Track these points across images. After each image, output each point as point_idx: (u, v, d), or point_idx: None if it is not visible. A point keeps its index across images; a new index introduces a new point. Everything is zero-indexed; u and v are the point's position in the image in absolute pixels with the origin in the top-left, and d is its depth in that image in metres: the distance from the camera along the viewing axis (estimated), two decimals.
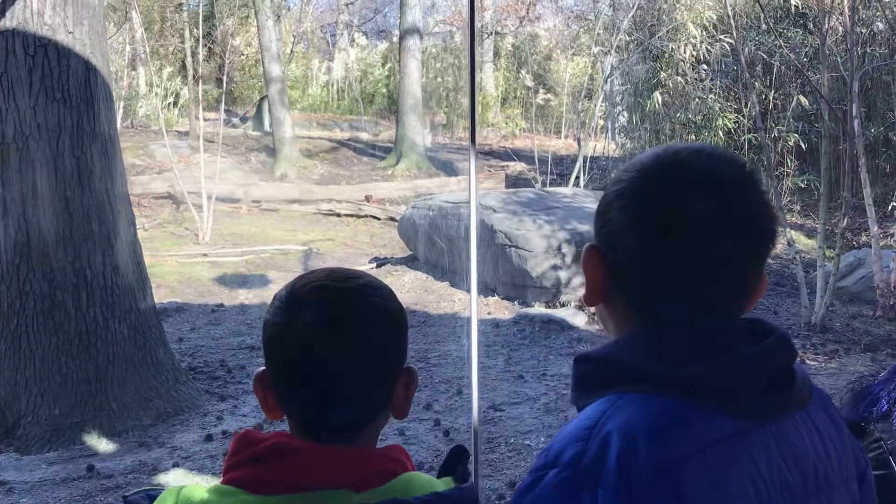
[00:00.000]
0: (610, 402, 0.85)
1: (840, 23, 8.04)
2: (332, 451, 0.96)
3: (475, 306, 2.25)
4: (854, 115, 6.70)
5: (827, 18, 7.41)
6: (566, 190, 10.01)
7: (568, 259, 7.45)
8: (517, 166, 14.69)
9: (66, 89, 4.72)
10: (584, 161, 11.90)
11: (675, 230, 0.87)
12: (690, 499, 0.78)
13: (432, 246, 8.62)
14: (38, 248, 4.70)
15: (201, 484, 1.00)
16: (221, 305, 7.65)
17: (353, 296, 1.00)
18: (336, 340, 0.96)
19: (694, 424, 0.82)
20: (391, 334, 1.01)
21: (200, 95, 12.25)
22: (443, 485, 1.01)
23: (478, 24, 20.34)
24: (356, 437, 1.00)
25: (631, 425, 0.81)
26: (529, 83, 16.46)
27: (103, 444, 4.68)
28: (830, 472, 0.92)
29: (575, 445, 0.82)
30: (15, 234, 4.68)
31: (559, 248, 7.49)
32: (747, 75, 8.68)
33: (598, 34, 13.10)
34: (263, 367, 1.02)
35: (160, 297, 6.91)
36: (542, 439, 4.50)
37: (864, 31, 10.04)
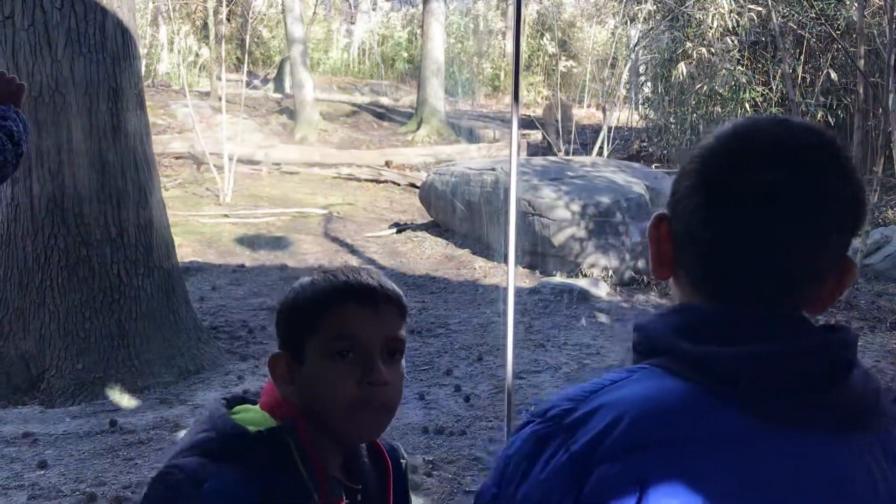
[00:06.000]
0: (626, 374, 0.82)
1: None
2: None
3: (512, 271, 2.21)
4: (890, 89, 6.56)
5: None
6: (586, 159, 9.92)
7: (591, 227, 7.39)
8: (538, 134, 14.56)
9: (92, 44, 4.69)
10: (608, 131, 11.77)
11: (734, 199, 0.80)
12: (653, 486, 0.73)
13: (453, 213, 8.58)
14: (68, 202, 4.70)
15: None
16: (242, 266, 7.66)
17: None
18: None
19: (696, 413, 0.76)
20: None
21: (223, 55, 12.17)
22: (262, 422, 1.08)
23: None
24: None
25: (625, 402, 0.78)
26: (553, 50, 16.24)
27: (126, 400, 4.71)
28: None
29: (565, 404, 0.80)
30: (42, 187, 4.68)
31: (581, 218, 7.43)
32: (780, 45, 8.50)
33: (625, 1, 12.88)
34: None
35: (181, 256, 6.91)
36: None
37: None
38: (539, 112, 17.16)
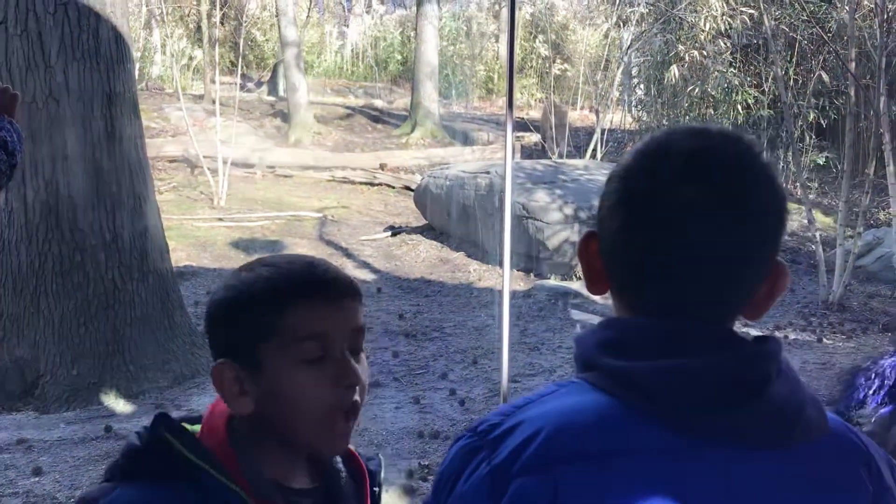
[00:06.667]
0: (555, 388, 0.83)
1: None
2: None
3: (507, 275, 2.22)
4: (881, 92, 6.60)
5: None
6: (579, 162, 9.94)
7: (584, 231, 7.42)
8: (532, 137, 14.58)
9: (85, 49, 4.69)
10: (602, 133, 11.80)
11: (654, 217, 0.81)
12: (568, 500, 0.74)
13: (448, 216, 8.59)
14: (62, 208, 4.70)
15: None
16: None
17: None
18: None
19: (614, 427, 0.77)
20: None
21: (216, 58, 12.16)
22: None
23: None
24: None
25: (544, 416, 0.79)
26: (546, 52, 16.26)
27: (121, 405, 4.71)
28: None
29: (494, 419, 0.82)
30: (36, 193, 4.68)
31: (575, 221, 7.46)
32: (772, 48, 8.54)
33: (617, 4, 12.91)
34: None
35: (176, 260, 6.90)
36: None
37: (890, 5, 9.85)
38: (532, 114, 17.20)
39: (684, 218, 0.80)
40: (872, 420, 1.14)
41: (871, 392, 1.17)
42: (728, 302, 0.83)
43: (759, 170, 0.82)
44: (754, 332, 0.87)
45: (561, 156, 11.99)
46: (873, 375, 1.18)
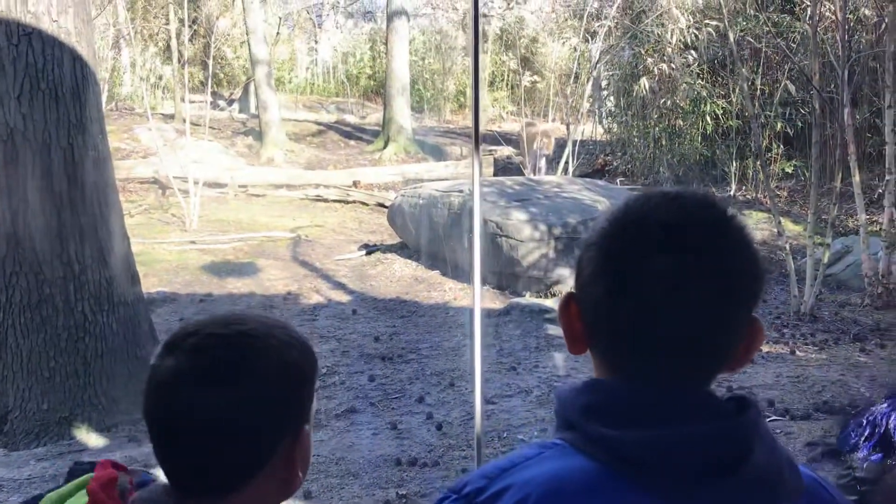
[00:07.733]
0: (539, 450, 0.85)
1: (830, 10, 8.05)
2: None
3: (478, 295, 2.22)
4: (844, 103, 6.70)
5: (819, 5, 7.38)
6: (553, 178, 9.99)
7: (559, 248, 7.44)
8: (505, 150, 14.64)
9: (50, 79, 4.63)
10: (573, 146, 11.87)
11: (633, 287, 0.82)
12: None
13: (421, 234, 8.58)
14: (25, 241, 4.62)
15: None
16: (210, 295, 7.57)
17: (221, 342, 0.95)
18: (187, 390, 0.93)
19: (601, 494, 0.79)
20: (263, 390, 0.94)
21: (187, 78, 12.08)
22: None
23: (465, 7, 20.12)
24: (219, 499, 0.95)
25: (532, 482, 0.80)
26: (515, 66, 16.34)
27: (93, 439, 4.63)
28: None
29: (479, 482, 0.83)
30: (1, 227, 4.60)
31: (549, 238, 7.47)
32: (736, 58, 8.65)
33: (585, 19, 13.03)
34: None
35: (148, 286, 6.83)
36: (535, 433, 4.49)
37: (851, 17, 10.03)
38: (505, 126, 17.27)
39: (665, 288, 0.81)
40: (864, 466, 1.18)
41: (863, 439, 1.20)
42: (710, 365, 0.86)
43: (735, 236, 0.84)
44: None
45: (535, 171, 12.03)
46: (865, 422, 1.21)
